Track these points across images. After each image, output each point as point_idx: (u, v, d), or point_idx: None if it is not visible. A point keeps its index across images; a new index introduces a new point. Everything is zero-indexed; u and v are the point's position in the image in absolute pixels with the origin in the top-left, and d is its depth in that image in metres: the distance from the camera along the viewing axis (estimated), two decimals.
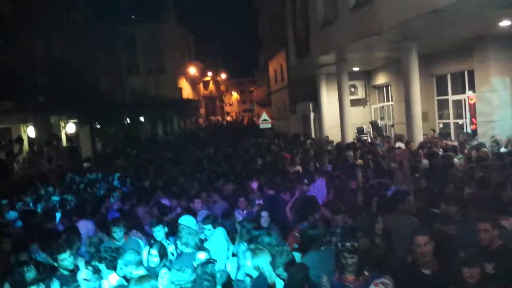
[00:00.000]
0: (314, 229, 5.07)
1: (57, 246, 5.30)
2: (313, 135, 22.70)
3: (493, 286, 3.84)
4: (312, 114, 23.80)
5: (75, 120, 23.39)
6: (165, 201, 8.76)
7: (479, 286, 3.82)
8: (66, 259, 5.17)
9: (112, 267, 5.04)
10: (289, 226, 6.82)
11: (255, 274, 4.49)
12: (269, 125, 23.25)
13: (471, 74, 14.34)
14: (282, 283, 4.18)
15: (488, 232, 4.44)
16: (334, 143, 16.52)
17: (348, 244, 4.08)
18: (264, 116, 23.04)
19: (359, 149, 13.33)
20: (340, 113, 17.55)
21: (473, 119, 14.35)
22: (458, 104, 15.81)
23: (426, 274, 4.21)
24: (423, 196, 6.43)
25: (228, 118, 66.90)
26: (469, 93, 14.80)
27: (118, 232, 6.26)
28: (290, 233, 6.21)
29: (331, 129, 19.59)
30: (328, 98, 20.15)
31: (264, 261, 4.38)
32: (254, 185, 9.44)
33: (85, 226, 7.44)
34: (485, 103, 13.38)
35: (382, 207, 6.26)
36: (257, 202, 8.38)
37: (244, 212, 7.71)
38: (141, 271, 4.72)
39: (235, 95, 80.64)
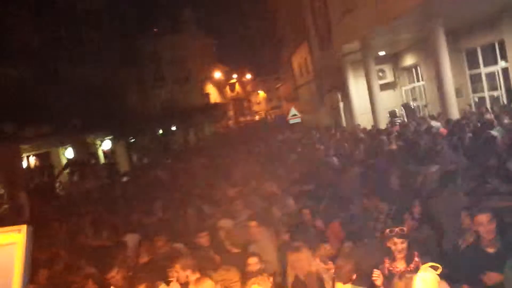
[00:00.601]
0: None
1: None
2: (344, 125, 22.45)
3: None
4: (341, 104, 23.54)
5: (110, 137, 23.97)
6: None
7: None
8: None
9: None
10: None
11: None
12: (298, 120, 23.12)
13: (501, 44, 13.88)
14: None
15: None
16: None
17: (397, 229, 4.00)
18: (293, 111, 22.94)
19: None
20: (370, 99, 17.26)
21: None
22: (491, 76, 15.30)
23: (491, 253, 4.06)
24: (470, 174, 6.23)
25: (257, 118, 66.95)
26: (501, 64, 14.31)
27: None
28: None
29: (362, 116, 19.30)
30: (357, 86, 19.86)
31: None
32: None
33: None
34: None
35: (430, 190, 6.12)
36: None
37: None
38: None
39: (261, 93, 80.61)
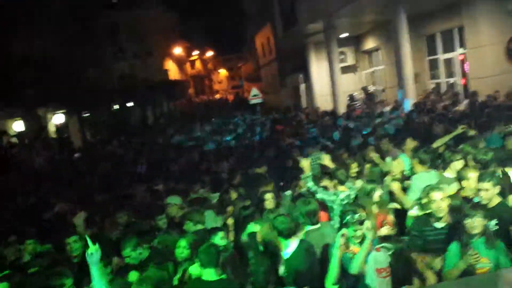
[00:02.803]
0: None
1: None
2: (304, 106, 22.48)
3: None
4: (302, 85, 23.53)
5: (63, 111, 23.01)
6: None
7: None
8: None
9: None
10: None
11: None
12: (260, 100, 22.92)
13: (460, 31, 14.11)
14: None
15: (488, 191, 4.39)
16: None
17: (356, 216, 3.96)
18: (254, 91, 22.66)
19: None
20: (331, 82, 17.29)
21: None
22: (449, 62, 15.60)
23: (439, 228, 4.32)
24: None
25: (217, 96, 66.26)
26: (459, 50, 14.57)
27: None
28: None
29: (322, 98, 19.38)
30: (318, 68, 19.88)
31: None
32: None
33: None
34: (477, 59, 13.17)
35: None
36: None
37: None
38: None
39: (223, 72, 79.76)
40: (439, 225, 4.32)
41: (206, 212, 5.79)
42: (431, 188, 4.46)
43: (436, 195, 4.31)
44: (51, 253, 5.72)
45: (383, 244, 3.79)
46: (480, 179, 4.51)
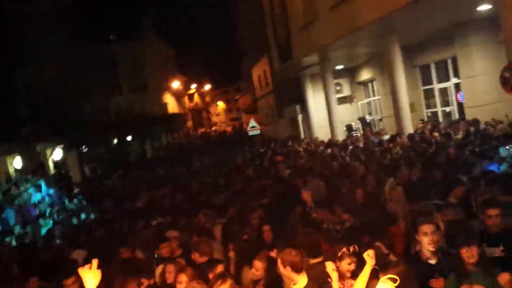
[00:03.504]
0: None
1: None
2: (302, 137, 22.59)
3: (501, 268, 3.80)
4: (300, 116, 23.72)
5: (62, 146, 23.01)
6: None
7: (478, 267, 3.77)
8: None
9: None
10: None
11: None
12: (258, 131, 23.07)
13: (454, 61, 14.38)
14: None
15: (498, 217, 4.37)
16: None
17: (351, 248, 3.94)
18: (252, 122, 22.87)
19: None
20: (328, 112, 17.47)
21: None
22: (444, 92, 15.81)
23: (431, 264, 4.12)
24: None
25: (214, 128, 66.57)
26: (454, 80, 14.81)
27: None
28: None
29: (320, 129, 19.51)
30: (315, 99, 20.10)
31: None
32: None
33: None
34: (471, 88, 13.37)
35: None
36: None
37: None
38: None
39: (221, 104, 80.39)
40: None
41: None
42: None
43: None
44: None
45: (389, 275, 3.71)
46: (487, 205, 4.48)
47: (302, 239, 4.73)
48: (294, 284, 3.99)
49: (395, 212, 6.07)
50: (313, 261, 4.61)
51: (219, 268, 4.65)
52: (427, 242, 4.10)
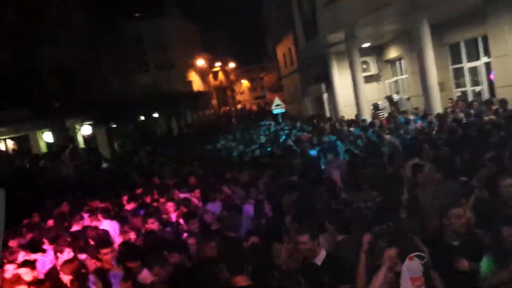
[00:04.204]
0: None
1: None
2: (327, 116, 22.51)
3: None
4: (325, 95, 23.58)
5: (91, 122, 23.57)
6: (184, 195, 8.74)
7: None
8: None
9: None
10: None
11: None
12: (283, 110, 23.08)
13: (484, 39, 14.01)
14: None
15: None
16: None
17: (384, 227, 4.00)
18: (277, 101, 22.88)
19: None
20: (354, 91, 17.31)
21: None
22: (474, 71, 15.47)
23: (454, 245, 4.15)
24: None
25: (238, 107, 66.68)
26: (484, 59, 14.46)
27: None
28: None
29: (346, 108, 19.38)
30: (341, 77, 19.92)
31: None
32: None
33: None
34: (502, 67, 13.05)
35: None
36: None
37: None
38: None
39: (245, 83, 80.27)
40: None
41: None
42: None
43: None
44: None
45: (417, 253, 3.71)
46: None
47: (330, 216, 4.85)
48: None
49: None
50: (340, 237, 4.72)
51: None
52: (459, 225, 4.12)
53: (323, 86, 23.26)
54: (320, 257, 4.23)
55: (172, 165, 13.87)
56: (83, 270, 5.41)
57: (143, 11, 41.47)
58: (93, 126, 23.61)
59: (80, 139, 23.48)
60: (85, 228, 7.54)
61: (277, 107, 22.82)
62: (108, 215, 8.13)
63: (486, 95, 14.74)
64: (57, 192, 12.37)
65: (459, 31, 15.06)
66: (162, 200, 8.73)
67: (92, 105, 22.06)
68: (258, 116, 36.58)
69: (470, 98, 15.46)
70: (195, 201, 8.37)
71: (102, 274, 5.28)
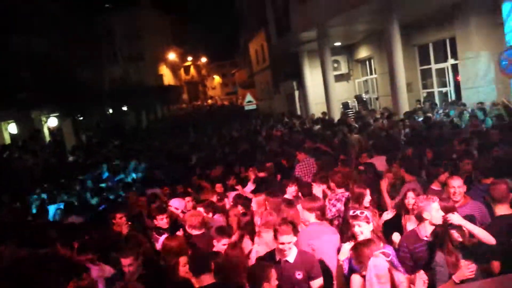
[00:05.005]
0: None
1: None
2: (298, 113, 22.66)
3: None
4: (296, 92, 23.72)
5: (57, 114, 22.96)
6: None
7: None
8: None
9: None
10: None
11: None
12: (254, 106, 23.08)
13: (452, 41, 14.37)
14: None
15: None
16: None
17: (357, 211, 4.09)
18: (249, 97, 22.82)
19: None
20: (325, 89, 17.46)
21: None
22: (441, 72, 15.86)
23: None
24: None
25: (209, 102, 66.40)
26: (451, 61, 14.84)
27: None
28: None
29: (317, 106, 19.57)
30: (312, 75, 20.09)
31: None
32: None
33: None
34: (468, 69, 13.42)
35: None
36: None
37: None
38: None
39: (217, 78, 79.96)
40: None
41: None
42: None
43: None
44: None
45: (382, 250, 3.77)
46: None
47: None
48: None
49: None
50: None
51: None
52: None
53: (295, 84, 23.40)
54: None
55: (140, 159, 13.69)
56: None
57: (115, 2, 40.70)
58: (60, 118, 23.00)
59: (45, 131, 22.87)
60: None
61: (249, 104, 22.80)
62: None
63: (452, 97, 15.15)
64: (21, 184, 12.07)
65: (428, 32, 15.41)
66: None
67: (59, 96, 21.46)
68: (229, 111, 36.54)
69: (437, 99, 15.86)
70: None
71: None
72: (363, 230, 4.09)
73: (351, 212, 4.26)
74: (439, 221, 4.01)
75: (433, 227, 4.06)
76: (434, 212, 4.03)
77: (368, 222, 4.13)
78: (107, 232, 6.19)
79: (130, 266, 4.49)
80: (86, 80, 27.84)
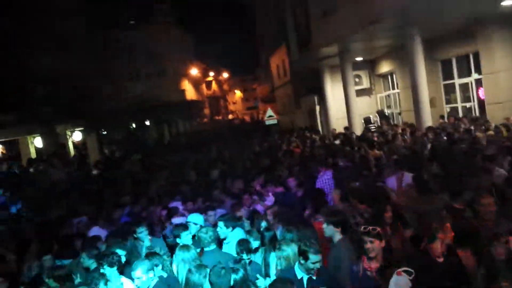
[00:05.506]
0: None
1: None
2: (319, 128, 22.60)
3: None
4: (317, 107, 23.69)
5: (81, 128, 23.44)
6: (176, 204, 8.70)
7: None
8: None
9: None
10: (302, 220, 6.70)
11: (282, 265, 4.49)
12: (275, 121, 23.14)
13: (476, 56, 14.21)
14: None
15: None
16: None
17: (369, 227, 4.07)
18: (270, 112, 22.91)
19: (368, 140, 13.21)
20: (346, 104, 17.42)
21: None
22: (464, 87, 15.66)
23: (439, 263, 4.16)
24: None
25: (230, 116, 66.83)
26: (475, 75, 14.66)
27: (143, 232, 6.35)
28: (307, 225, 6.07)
29: (338, 121, 19.48)
30: (333, 90, 20.05)
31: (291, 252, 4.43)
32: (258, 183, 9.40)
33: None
34: (492, 84, 13.23)
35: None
36: (266, 199, 8.31)
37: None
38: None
39: (238, 93, 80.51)
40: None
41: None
42: None
43: None
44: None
45: (405, 268, 3.75)
46: None
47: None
48: None
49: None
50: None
51: None
52: (446, 241, 4.21)
53: (316, 98, 23.39)
54: None
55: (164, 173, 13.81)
56: None
57: (137, 19, 41.57)
58: (84, 132, 23.47)
59: (70, 145, 23.33)
60: None
61: (270, 118, 22.87)
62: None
63: (476, 112, 14.92)
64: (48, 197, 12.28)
65: (451, 47, 15.27)
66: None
67: (83, 111, 21.93)
68: (251, 126, 36.62)
69: (460, 114, 15.64)
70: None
71: None
72: (375, 246, 4.08)
73: (362, 228, 4.25)
74: None
75: None
76: None
77: (380, 239, 4.12)
78: None
79: None
80: (109, 95, 28.37)
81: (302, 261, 4.23)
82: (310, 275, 4.22)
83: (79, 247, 6.71)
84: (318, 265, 4.18)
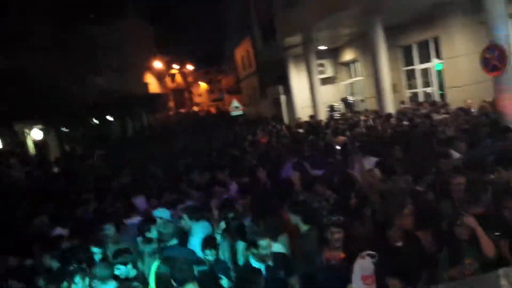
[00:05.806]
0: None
1: None
2: (285, 118, 22.63)
3: None
4: (283, 97, 23.71)
5: (41, 126, 22.63)
6: (140, 200, 8.47)
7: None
8: None
9: None
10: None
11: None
12: (241, 112, 23.04)
13: (435, 42, 14.48)
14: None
15: None
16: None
17: (334, 218, 4.04)
18: (235, 103, 22.81)
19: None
20: (311, 93, 17.49)
21: None
22: (425, 72, 15.96)
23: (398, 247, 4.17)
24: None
25: (195, 109, 66.21)
26: (435, 61, 14.93)
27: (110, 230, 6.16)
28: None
29: (303, 110, 19.55)
30: (298, 79, 20.09)
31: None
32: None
33: None
34: (452, 69, 13.51)
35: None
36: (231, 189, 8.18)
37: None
38: None
39: (203, 85, 79.74)
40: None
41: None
42: None
43: None
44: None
45: (368, 251, 3.77)
46: None
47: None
48: None
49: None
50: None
51: None
52: (405, 225, 4.23)
53: (281, 88, 23.40)
54: None
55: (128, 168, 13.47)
56: None
57: (98, 13, 40.39)
58: (44, 130, 22.67)
59: (30, 144, 22.50)
60: None
61: (235, 109, 22.76)
62: None
63: (436, 96, 15.24)
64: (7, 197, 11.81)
65: (412, 33, 15.50)
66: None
67: (42, 108, 21.15)
68: (216, 118, 36.40)
69: (421, 99, 15.94)
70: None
71: None
72: (340, 237, 4.11)
73: (327, 220, 4.22)
74: None
75: None
76: None
77: (345, 228, 4.15)
78: None
79: None
80: (69, 90, 27.51)
81: (255, 251, 4.20)
82: (266, 263, 4.17)
83: (39, 248, 6.45)
84: (269, 250, 4.18)
